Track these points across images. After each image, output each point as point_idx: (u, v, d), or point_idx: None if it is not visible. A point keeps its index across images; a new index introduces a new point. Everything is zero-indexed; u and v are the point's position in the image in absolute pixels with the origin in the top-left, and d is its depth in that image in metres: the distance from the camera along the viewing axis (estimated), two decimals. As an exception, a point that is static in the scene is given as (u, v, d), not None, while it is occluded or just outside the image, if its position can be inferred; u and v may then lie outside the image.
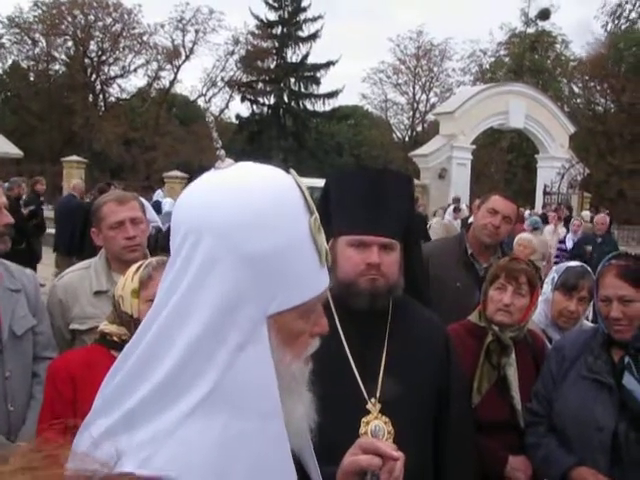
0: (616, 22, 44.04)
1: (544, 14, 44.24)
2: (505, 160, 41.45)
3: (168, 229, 7.16)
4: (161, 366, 1.06)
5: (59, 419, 2.30)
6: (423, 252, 4.12)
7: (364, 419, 2.16)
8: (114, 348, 2.41)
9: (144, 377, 1.07)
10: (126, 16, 41.98)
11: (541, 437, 2.85)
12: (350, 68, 75.49)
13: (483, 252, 4.00)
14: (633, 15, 43.50)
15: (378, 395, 2.20)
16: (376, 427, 2.15)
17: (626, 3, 43.41)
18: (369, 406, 2.18)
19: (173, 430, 1.02)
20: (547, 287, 3.49)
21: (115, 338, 2.44)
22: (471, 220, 4.71)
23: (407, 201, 2.40)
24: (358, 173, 2.48)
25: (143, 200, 3.66)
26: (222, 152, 1.17)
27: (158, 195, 18.05)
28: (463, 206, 18.56)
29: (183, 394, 1.04)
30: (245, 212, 1.06)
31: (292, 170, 1.19)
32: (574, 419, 2.75)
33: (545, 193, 25.69)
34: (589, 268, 3.51)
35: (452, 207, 18.15)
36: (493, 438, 2.84)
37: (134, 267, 2.50)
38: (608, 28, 44.31)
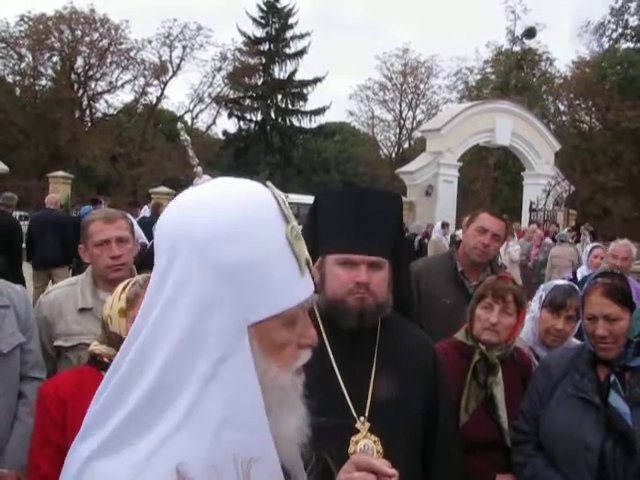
0: (599, 41, 44.53)
1: (530, 32, 44.55)
2: (491, 177, 41.62)
3: (151, 246, 7.15)
4: (142, 383, 1.07)
5: (52, 444, 2.26)
6: (414, 269, 4.16)
7: (353, 438, 2.15)
8: (105, 369, 2.37)
9: (126, 396, 1.08)
10: (113, 32, 41.96)
11: (528, 456, 2.85)
12: (337, 85, 75.86)
13: (473, 270, 4.02)
14: (615, 34, 43.97)
15: (367, 414, 2.19)
16: (365, 446, 2.15)
17: (608, 23, 43.92)
18: (358, 425, 2.18)
19: (160, 447, 1.03)
20: (534, 305, 3.49)
21: (105, 359, 2.40)
22: (460, 237, 4.72)
23: (395, 219, 2.40)
24: (346, 191, 2.48)
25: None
26: (199, 169, 1.20)
27: (145, 211, 17.95)
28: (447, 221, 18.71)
29: (167, 409, 1.05)
30: (218, 225, 1.08)
31: (269, 183, 1.21)
32: (561, 438, 2.75)
33: (531, 210, 25.79)
34: (576, 287, 3.52)
35: (440, 224, 18.22)
36: (480, 457, 2.83)
37: (121, 286, 2.48)
38: (591, 46, 44.83)
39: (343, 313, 2.21)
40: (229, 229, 1.08)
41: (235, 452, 1.07)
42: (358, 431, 2.17)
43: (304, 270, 1.16)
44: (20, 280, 9.21)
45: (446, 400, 2.43)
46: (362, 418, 2.18)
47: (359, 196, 2.32)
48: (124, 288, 2.45)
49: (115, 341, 2.39)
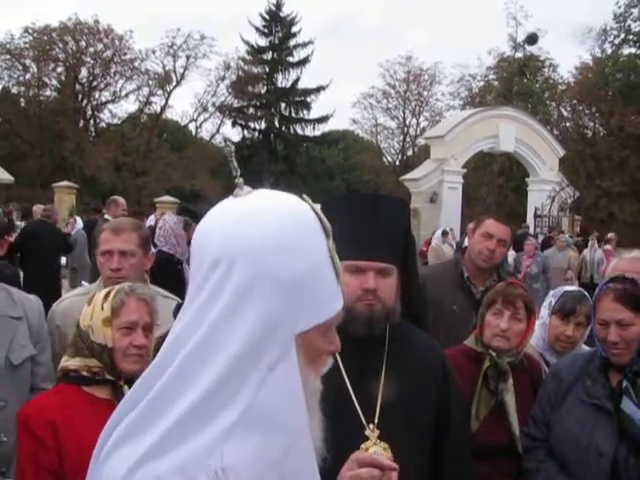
0: (602, 46, 44.54)
1: (532, 39, 44.55)
2: (496, 183, 41.58)
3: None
4: (194, 390, 1.09)
5: (45, 469, 2.16)
6: (421, 276, 4.14)
7: (363, 445, 2.14)
8: (85, 384, 2.33)
9: (175, 402, 1.10)
10: (117, 42, 42.13)
11: (540, 462, 2.83)
12: (341, 93, 75.97)
13: (479, 276, 4.01)
14: (618, 40, 43.97)
15: (376, 421, 2.17)
16: (375, 453, 2.13)
17: (611, 29, 43.94)
18: (368, 432, 2.16)
19: (212, 450, 1.06)
20: (544, 311, 3.48)
21: (84, 372, 2.34)
22: (466, 244, 4.71)
23: (403, 224, 2.39)
24: (353, 198, 2.49)
25: None
26: (240, 180, 1.20)
27: (150, 221, 17.99)
28: (447, 229, 18.67)
29: (218, 415, 1.08)
30: (275, 237, 1.11)
31: (305, 196, 1.23)
32: (573, 444, 2.73)
33: (536, 216, 25.74)
34: (586, 293, 3.51)
35: (440, 231, 18.21)
36: (492, 464, 2.82)
37: (101, 295, 2.41)
38: (594, 52, 44.85)
39: (351, 320, 2.18)
40: (285, 242, 1.11)
41: (280, 458, 1.09)
42: (368, 438, 2.16)
43: (340, 280, 1.21)
44: (57, 289, 9.37)
45: (456, 405, 2.41)
46: (372, 425, 2.17)
47: (366, 202, 2.32)
48: (105, 297, 2.39)
49: (98, 351, 2.33)
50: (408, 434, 2.18)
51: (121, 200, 9.97)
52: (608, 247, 16.51)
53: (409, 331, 2.40)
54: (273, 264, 1.10)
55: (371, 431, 2.16)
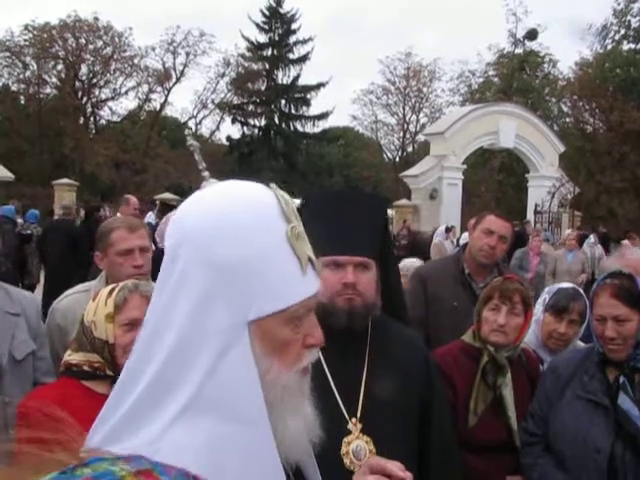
0: (602, 42, 44.42)
1: (532, 34, 44.51)
2: (496, 180, 41.57)
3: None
4: (142, 379, 1.09)
5: None
6: (421, 272, 4.18)
7: (345, 439, 2.14)
8: (85, 378, 2.34)
9: (128, 392, 1.11)
10: (117, 39, 42.07)
11: (537, 457, 2.85)
12: (341, 90, 75.81)
13: (480, 272, 4.02)
14: (618, 36, 43.87)
15: (359, 415, 2.18)
16: (357, 447, 2.14)
17: (611, 25, 43.83)
18: (350, 426, 2.17)
19: (160, 436, 1.05)
20: (538, 308, 3.47)
21: (86, 367, 2.34)
22: (466, 240, 4.71)
23: (380, 220, 2.40)
24: (331, 194, 2.50)
25: None
26: (207, 173, 1.21)
27: (149, 217, 17.97)
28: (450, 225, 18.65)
29: (166, 402, 1.07)
30: (215, 221, 1.11)
31: (273, 184, 1.21)
32: (570, 440, 2.75)
33: (536, 212, 25.70)
34: (581, 290, 3.52)
35: (443, 227, 18.16)
36: (490, 459, 2.83)
37: (106, 291, 2.42)
38: (595, 48, 44.75)
39: (332, 314, 2.18)
40: (225, 226, 1.10)
41: (232, 445, 1.07)
42: (350, 432, 2.16)
43: (305, 269, 1.16)
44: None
45: (440, 399, 2.42)
46: (354, 419, 2.18)
47: (342, 198, 2.35)
48: (110, 293, 2.40)
49: (99, 346, 2.34)
50: (391, 427, 2.19)
51: (133, 199, 9.96)
52: (627, 242, 16.21)
53: (391, 325, 2.41)
54: (210, 248, 1.09)
55: (353, 424, 2.17)
